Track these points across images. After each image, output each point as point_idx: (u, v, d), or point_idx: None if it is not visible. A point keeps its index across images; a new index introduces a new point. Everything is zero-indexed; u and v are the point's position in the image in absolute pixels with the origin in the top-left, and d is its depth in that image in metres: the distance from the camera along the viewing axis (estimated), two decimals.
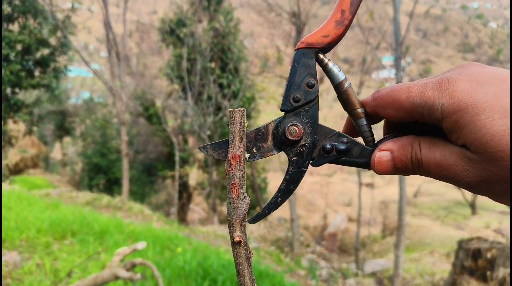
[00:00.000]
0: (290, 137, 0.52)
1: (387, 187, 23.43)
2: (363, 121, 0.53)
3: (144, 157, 18.40)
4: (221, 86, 14.07)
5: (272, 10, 7.99)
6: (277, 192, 0.55)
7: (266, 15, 11.09)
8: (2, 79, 12.40)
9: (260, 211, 0.55)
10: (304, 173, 0.54)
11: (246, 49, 15.65)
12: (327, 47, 0.52)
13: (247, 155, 0.54)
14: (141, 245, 3.60)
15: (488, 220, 17.77)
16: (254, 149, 0.54)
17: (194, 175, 18.51)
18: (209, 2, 14.87)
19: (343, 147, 0.52)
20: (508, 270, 6.01)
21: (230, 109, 0.53)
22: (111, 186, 17.65)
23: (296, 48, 0.53)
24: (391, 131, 0.55)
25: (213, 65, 14.57)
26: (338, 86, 0.53)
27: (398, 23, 5.75)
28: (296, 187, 0.54)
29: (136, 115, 17.77)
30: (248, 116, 14.96)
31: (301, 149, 0.53)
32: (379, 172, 0.51)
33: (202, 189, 16.92)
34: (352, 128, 0.55)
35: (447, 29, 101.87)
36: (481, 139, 0.41)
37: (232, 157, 0.53)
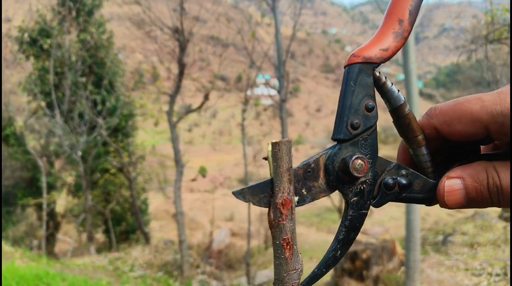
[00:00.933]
0: (355, 174, 0.41)
1: None
2: (424, 150, 0.44)
3: None
4: (95, 102, 13.00)
5: (154, 24, 7.71)
6: (334, 243, 0.43)
7: (143, 29, 10.69)
8: None
9: (316, 270, 0.43)
10: (366, 216, 0.44)
11: (121, 63, 14.80)
12: (381, 63, 0.44)
13: (296, 198, 0.42)
14: None
15: None
16: (303, 190, 0.42)
17: (62, 202, 16.67)
18: (78, 13, 13.71)
19: (405, 182, 0.44)
20: (381, 267, 6.73)
21: (273, 141, 0.40)
22: None
23: (348, 63, 0.43)
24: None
25: (84, 79, 13.41)
26: (397, 110, 0.44)
27: (280, 43, 6.09)
28: (356, 236, 0.44)
29: None
30: (126, 135, 14.10)
31: (362, 187, 0.43)
32: (449, 204, 0.42)
33: (74, 216, 15.27)
34: (408, 157, 0.47)
35: (312, 52, 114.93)
36: None
37: (282, 203, 0.40)
